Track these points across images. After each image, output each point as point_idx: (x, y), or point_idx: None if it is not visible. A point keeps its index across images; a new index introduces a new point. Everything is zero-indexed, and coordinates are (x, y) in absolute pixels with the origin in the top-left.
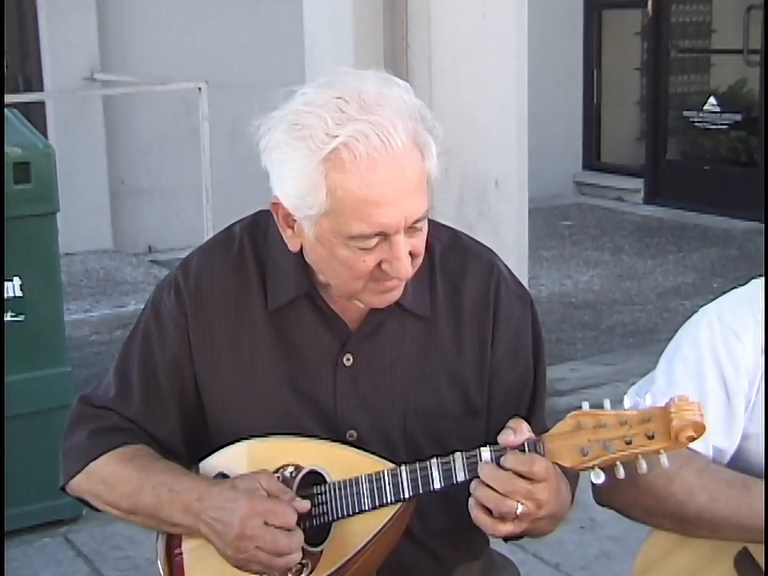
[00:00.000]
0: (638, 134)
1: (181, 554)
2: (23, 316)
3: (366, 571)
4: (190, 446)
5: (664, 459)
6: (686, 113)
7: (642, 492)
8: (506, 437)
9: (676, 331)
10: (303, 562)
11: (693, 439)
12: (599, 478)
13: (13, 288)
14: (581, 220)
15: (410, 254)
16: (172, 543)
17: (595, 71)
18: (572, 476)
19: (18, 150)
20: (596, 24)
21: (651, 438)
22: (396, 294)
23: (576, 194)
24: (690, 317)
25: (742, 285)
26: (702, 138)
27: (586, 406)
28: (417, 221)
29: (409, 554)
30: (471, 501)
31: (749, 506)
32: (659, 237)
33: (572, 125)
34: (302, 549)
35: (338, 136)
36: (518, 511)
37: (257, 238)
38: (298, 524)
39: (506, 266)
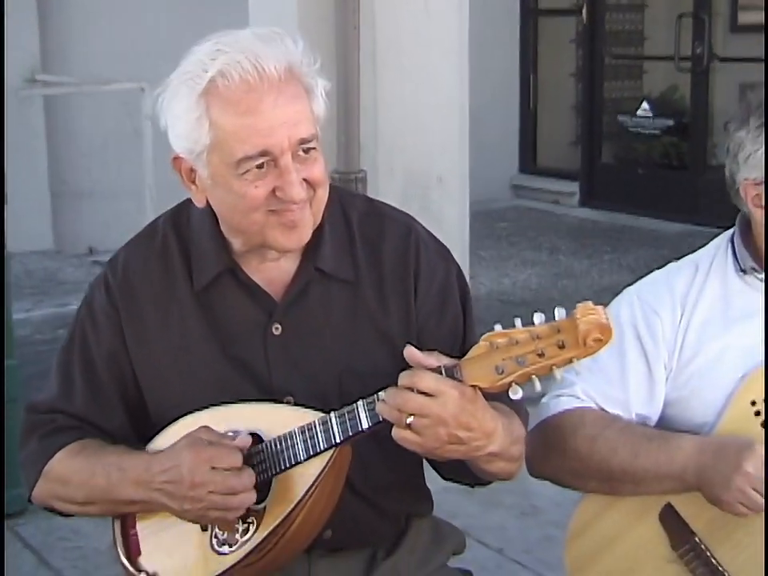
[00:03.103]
0: (574, 139)
1: (136, 533)
2: None
3: (312, 521)
4: (138, 432)
5: (558, 374)
6: (620, 118)
7: (569, 456)
8: (406, 350)
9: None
10: (249, 520)
11: (600, 342)
12: (517, 393)
13: None
14: (518, 222)
15: (308, 182)
16: (126, 525)
17: (531, 76)
18: (523, 415)
19: None
20: (532, 30)
21: (562, 347)
22: (302, 233)
23: (513, 196)
24: None
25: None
26: (635, 142)
27: (498, 327)
28: (302, 142)
29: (357, 510)
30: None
31: (667, 456)
32: (594, 238)
33: (509, 129)
34: (247, 507)
35: (211, 69)
36: (408, 421)
37: (180, 226)
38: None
39: (423, 227)
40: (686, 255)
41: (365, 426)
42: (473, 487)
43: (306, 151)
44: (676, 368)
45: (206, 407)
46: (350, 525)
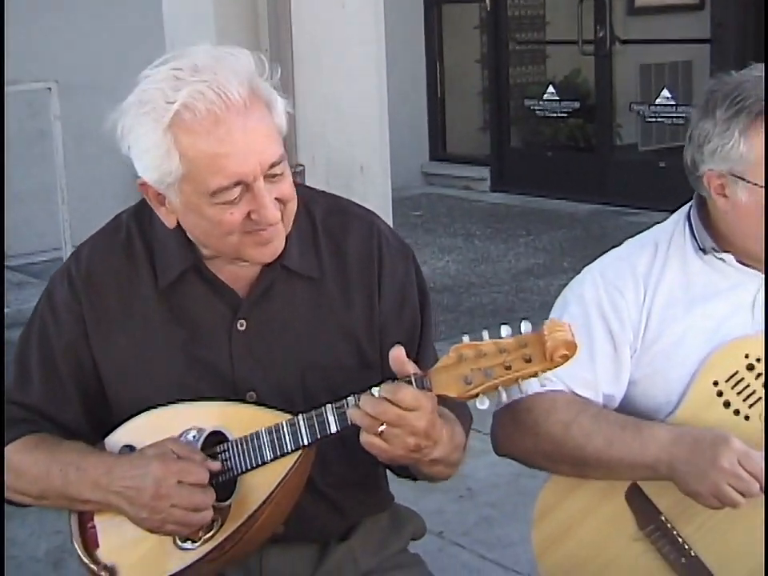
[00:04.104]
0: (482, 124)
1: (94, 526)
2: None
3: (274, 520)
4: (94, 426)
5: (524, 386)
6: (526, 102)
7: (541, 439)
8: (394, 351)
9: (534, 309)
10: (214, 517)
11: (566, 357)
12: (483, 404)
13: None
14: (431, 209)
15: (279, 200)
16: (84, 518)
17: (438, 64)
18: (466, 421)
19: None
20: (436, 18)
21: (529, 361)
22: (276, 246)
23: (424, 184)
24: (545, 295)
25: (590, 263)
26: (542, 125)
27: (466, 338)
28: (272, 165)
29: (312, 506)
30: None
31: (641, 446)
32: (508, 222)
33: (417, 117)
34: (213, 506)
35: (176, 101)
36: (380, 429)
37: (143, 222)
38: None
39: (385, 224)
40: (597, 234)
41: (333, 429)
42: (415, 481)
43: (276, 172)
44: (640, 348)
45: (170, 402)
46: (305, 520)
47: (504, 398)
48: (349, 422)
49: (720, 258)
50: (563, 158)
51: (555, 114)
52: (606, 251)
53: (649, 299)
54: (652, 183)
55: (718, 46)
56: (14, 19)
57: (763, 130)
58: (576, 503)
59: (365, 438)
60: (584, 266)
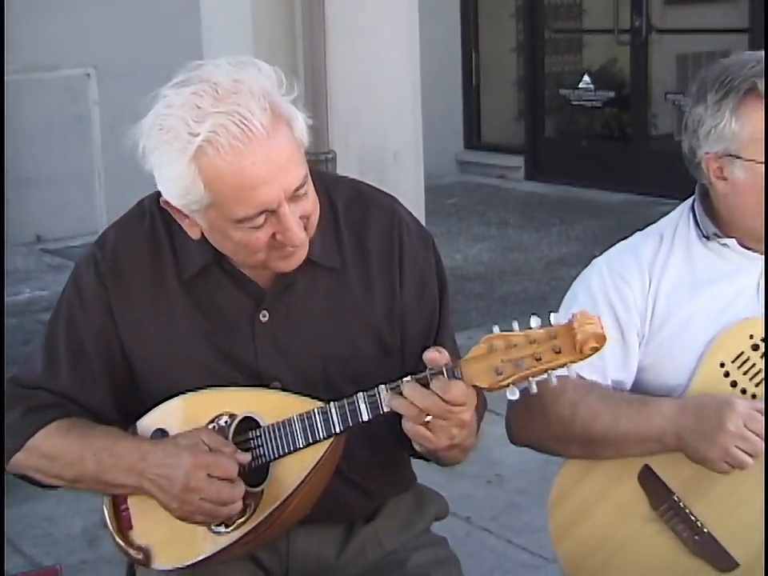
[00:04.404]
0: (517, 113)
1: (127, 508)
2: None
3: (305, 505)
4: (121, 411)
5: (552, 377)
6: (561, 91)
7: (551, 423)
8: (430, 354)
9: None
10: (247, 502)
11: (596, 349)
12: (514, 394)
13: None
14: (465, 197)
15: (303, 217)
16: (117, 500)
17: (473, 52)
18: (481, 406)
19: None
20: (473, 5)
21: (558, 352)
22: (302, 255)
23: (459, 172)
24: None
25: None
26: (577, 115)
27: (496, 329)
28: (297, 189)
29: (340, 491)
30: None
31: (647, 419)
32: (542, 211)
33: (452, 105)
34: (245, 491)
35: (199, 134)
36: (427, 419)
37: (166, 211)
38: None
39: (406, 210)
40: (630, 224)
41: (365, 417)
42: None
43: (300, 194)
44: (648, 334)
45: (201, 388)
46: (331, 504)
47: (534, 389)
48: (381, 410)
49: (723, 244)
50: (597, 147)
51: (590, 104)
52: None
53: (654, 286)
54: (686, 173)
55: (756, 35)
56: (53, 6)
57: (755, 107)
58: (590, 487)
59: (411, 428)
60: None
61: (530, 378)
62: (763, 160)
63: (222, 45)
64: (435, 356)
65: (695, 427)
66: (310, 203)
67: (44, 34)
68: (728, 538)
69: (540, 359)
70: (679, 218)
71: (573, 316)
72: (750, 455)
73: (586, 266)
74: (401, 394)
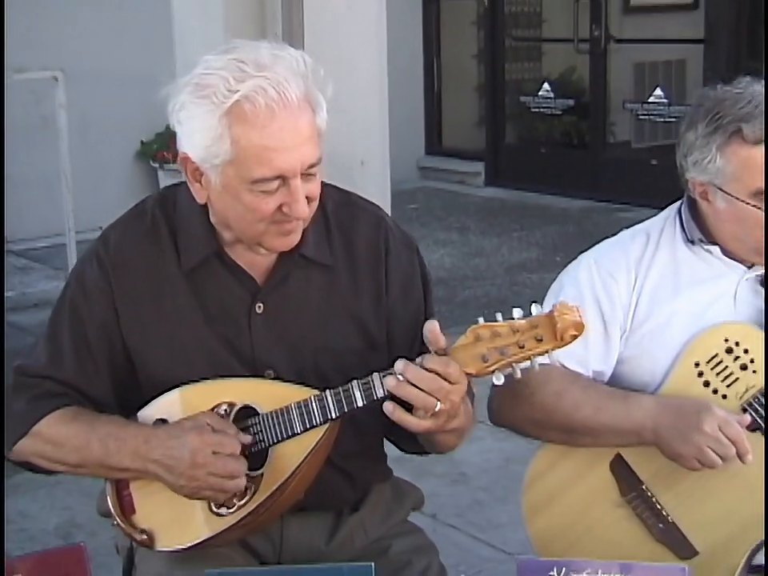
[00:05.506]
0: (478, 120)
1: (130, 494)
2: None
3: (300, 489)
4: (122, 403)
5: (535, 364)
6: (522, 98)
7: (534, 409)
8: (434, 326)
9: (527, 302)
10: (247, 485)
11: (575, 337)
12: (500, 379)
13: None
14: (426, 203)
15: (308, 198)
16: (120, 485)
17: (435, 59)
18: (471, 396)
19: None
20: (434, 14)
21: (540, 340)
22: (295, 238)
23: (420, 178)
24: (538, 289)
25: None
26: (537, 122)
27: (481, 320)
28: (311, 166)
29: (327, 476)
30: (389, 405)
31: (626, 413)
32: (502, 216)
33: (414, 111)
34: (246, 474)
35: (239, 90)
36: (437, 408)
37: (167, 209)
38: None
39: (390, 218)
40: (589, 230)
41: (359, 403)
42: (418, 454)
43: (311, 172)
44: (630, 329)
45: (199, 380)
46: (320, 489)
47: (518, 374)
48: (374, 396)
49: (707, 250)
50: (556, 154)
51: (550, 111)
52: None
53: (639, 283)
54: (644, 180)
55: (712, 46)
56: (20, 8)
57: (739, 147)
58: (564, 471)
59: (399, 416)
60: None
61: (514, 365)
62: (743, 198)
63: (195, 47)
64: (434, 326)
65: (673, 425)
66: (316, 187)
67: (11, 36)
68: (690, 529)
69: (523, 347)
70: (666, 220)
71: (553, 306)
72: (721, 457)
73: (547, 270)
74: (399, 379)
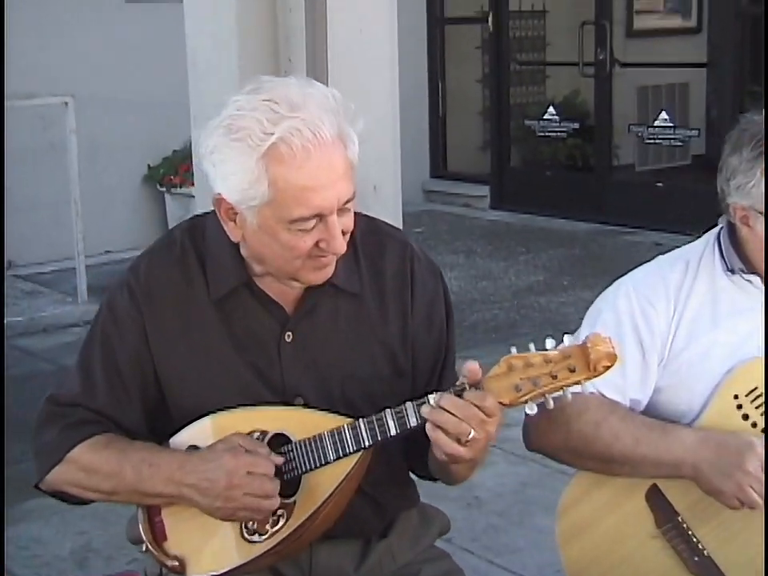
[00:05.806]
0: (483, 143)
1: (162, 520)
2: None
3: (332, 516)
4: (153, 431)
5: (568, 394)
6: (527, 122)
7: (571, 437)
8: (472, 365)
9: (535, 325)
10: (280, 512)
11: (608, 368)
12: (532, 409)
13: None
14: (432, 226)
15: (344, 232)
16: (152, 512)
17: (440, 84)
18: None
19: None
20: (439, 39)
21: (573, 371)
22: (330, 270)
23: (425, 201)
24: (546, 312)
25: (589, 281)
26: (542, 145)
27: (514, 350)
28: (347, 201)
29: (357, 504)
30: (429, 426)
31: (666, 446)
32: (508, 240)
33: (419, 135)
34: (279, 502)
35: (274, 133)
36: (470, 436)
37: (196, 239)
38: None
39: (417, 244)
40: (595, 253)
41: (392, 432)
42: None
43: (347, 207)
44: (668, 358)
45: (231, 407)
46: (349, 517)
47: (551, 404)
48: (408, 425)
49: (747, 280)
50: (562, 177)
51: (555, 134)
52: (604, 269)
53: (678, 312)
54: (649, 203)
55: (715, 69)
56: (29, 34)
57: None
58: (599, 499)
59: (443, 440)
60: (583, 284)
61: (546, 395)
62: None
63: (207, 81)
64: (475, 367)
65: (714, 461)
66: (351, 220)
67: (19, 62)
68: (727, 564)
69: (556, 377)
70: (705, 248)
71: (586, 338)
72: (762, 497)
73: (554, 294)
74: (433, 407)
